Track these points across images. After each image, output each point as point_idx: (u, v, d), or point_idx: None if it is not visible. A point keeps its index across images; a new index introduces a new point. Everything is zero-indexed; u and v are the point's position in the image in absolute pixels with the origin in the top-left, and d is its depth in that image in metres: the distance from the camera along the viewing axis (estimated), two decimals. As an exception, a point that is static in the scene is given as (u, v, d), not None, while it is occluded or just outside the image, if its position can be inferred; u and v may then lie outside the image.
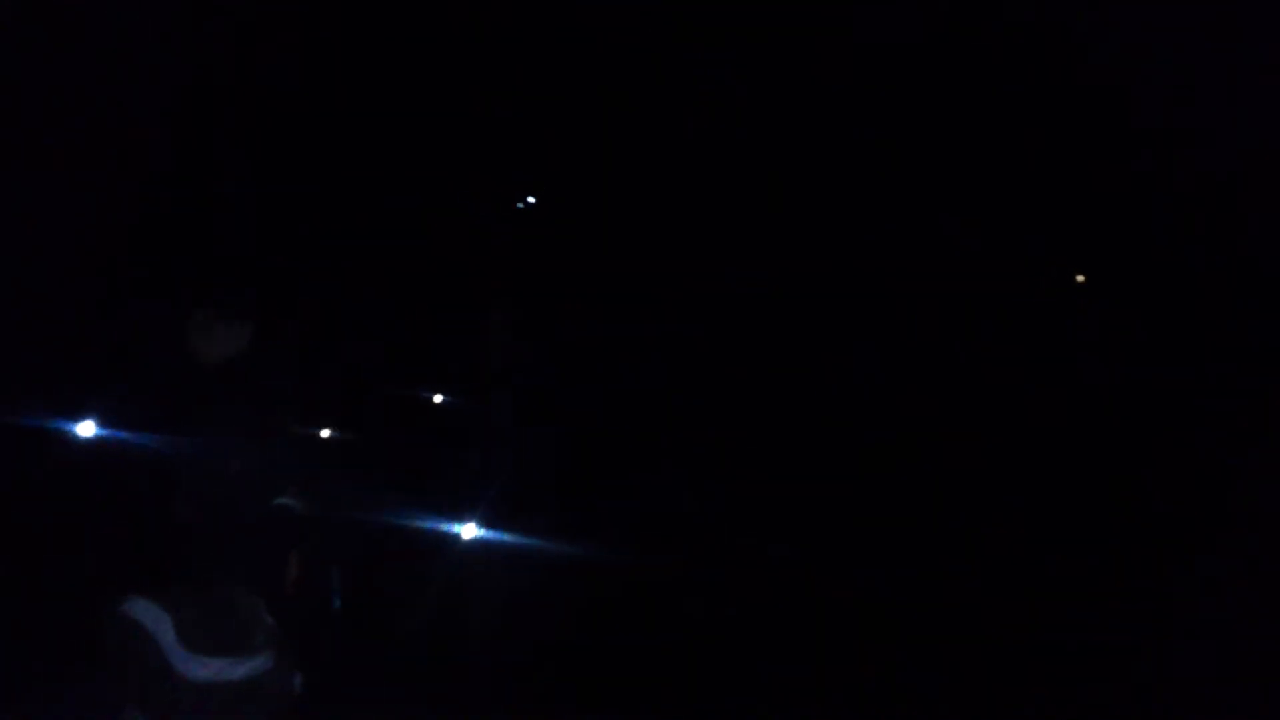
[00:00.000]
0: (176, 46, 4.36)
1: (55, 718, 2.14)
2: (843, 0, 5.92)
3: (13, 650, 2.84)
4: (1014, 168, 6.18)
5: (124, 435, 3.06)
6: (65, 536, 2.85)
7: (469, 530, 3.56)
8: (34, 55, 4.03)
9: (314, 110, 5.13)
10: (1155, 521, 5.13)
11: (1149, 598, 4.60)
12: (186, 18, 4.35)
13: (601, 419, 4.77)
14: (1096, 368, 6.06)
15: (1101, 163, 6.02)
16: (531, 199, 6.22)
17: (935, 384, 6.03)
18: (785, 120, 6.14)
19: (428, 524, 3.61)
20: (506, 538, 3.62)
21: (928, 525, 5.30)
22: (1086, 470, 5.57)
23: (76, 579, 2.67)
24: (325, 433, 3.69)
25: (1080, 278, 6.35)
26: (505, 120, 5.69)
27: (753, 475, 5.24)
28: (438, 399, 4.29)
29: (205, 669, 1.92)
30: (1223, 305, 5.69)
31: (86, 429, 3.04)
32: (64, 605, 2.69)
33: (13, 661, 2.82)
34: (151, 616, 1.94)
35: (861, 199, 6.21)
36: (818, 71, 6.03)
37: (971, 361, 6.06)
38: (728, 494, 5.15)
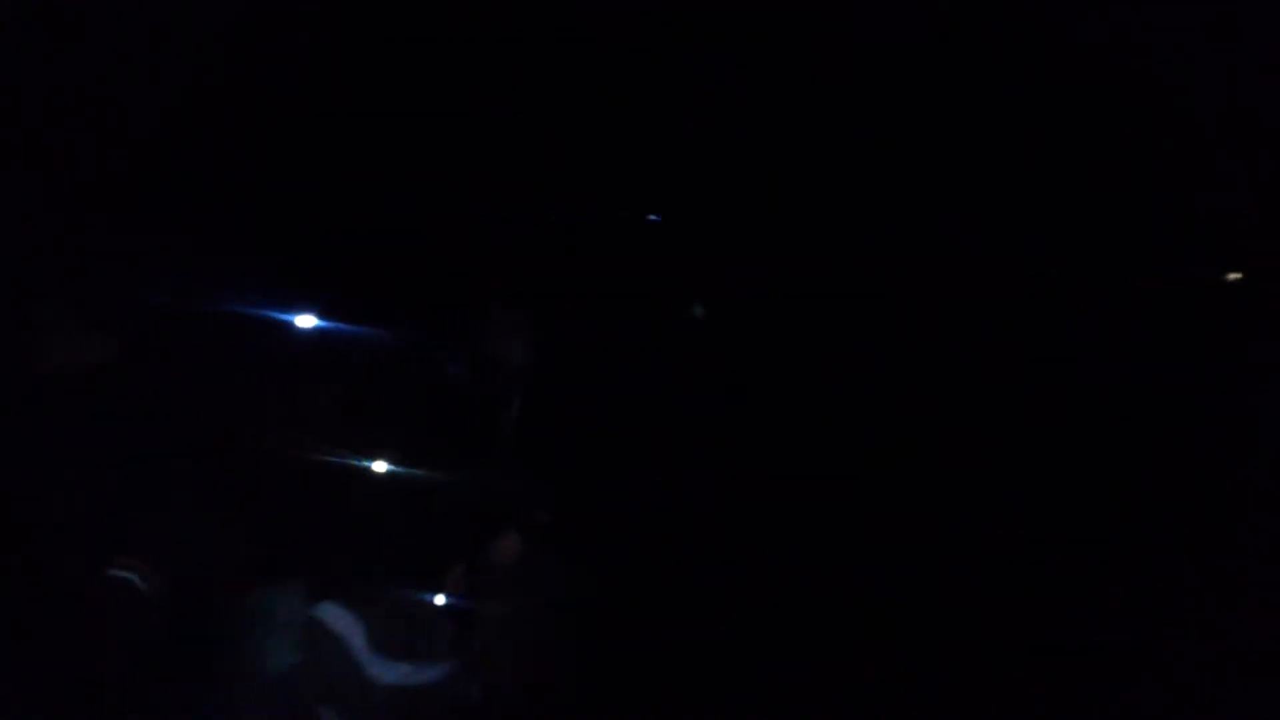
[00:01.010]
0: (176, 43, 4.36)
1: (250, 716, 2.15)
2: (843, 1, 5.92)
3: (202, 651, 2.83)
4: (1013, 167, 6.18)
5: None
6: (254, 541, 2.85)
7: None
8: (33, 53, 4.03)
9: (314, 108, 5.13)
10: (1155, 521, 5.13)
11: (1149, 597, 4.61)
12: (186, 15, 4.34)
13: (603, 420, 4.77)
14: (1096, 367, 6.06)
15: (1101, 162, 6.02)
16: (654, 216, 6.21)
17: (935, 384, 6.03)
18: (785, 120, 6.14)
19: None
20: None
21: (927, 525, 5.31)
22: (1086, 470, 5.57)
23: (271, 581, 2.65)
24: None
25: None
26: (506, 120, 5.69)
27: (752, 475, 5.25)
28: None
29: (393, 673, 1.97)
30: (1223, 305, 5.70)
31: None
32: (255, 607, 2.68)
33: (201, 663, 2.81)
34: (344, 622, 1.97)
35: (861, 199, 6.21)
36: (818, 71, 6.03)
37: (971, 361, 6.06)
38: (728, 494, 5.16)
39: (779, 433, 5.63)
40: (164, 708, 2.45)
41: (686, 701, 4.13)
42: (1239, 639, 4.06)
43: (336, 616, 2.03)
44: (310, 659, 2.03)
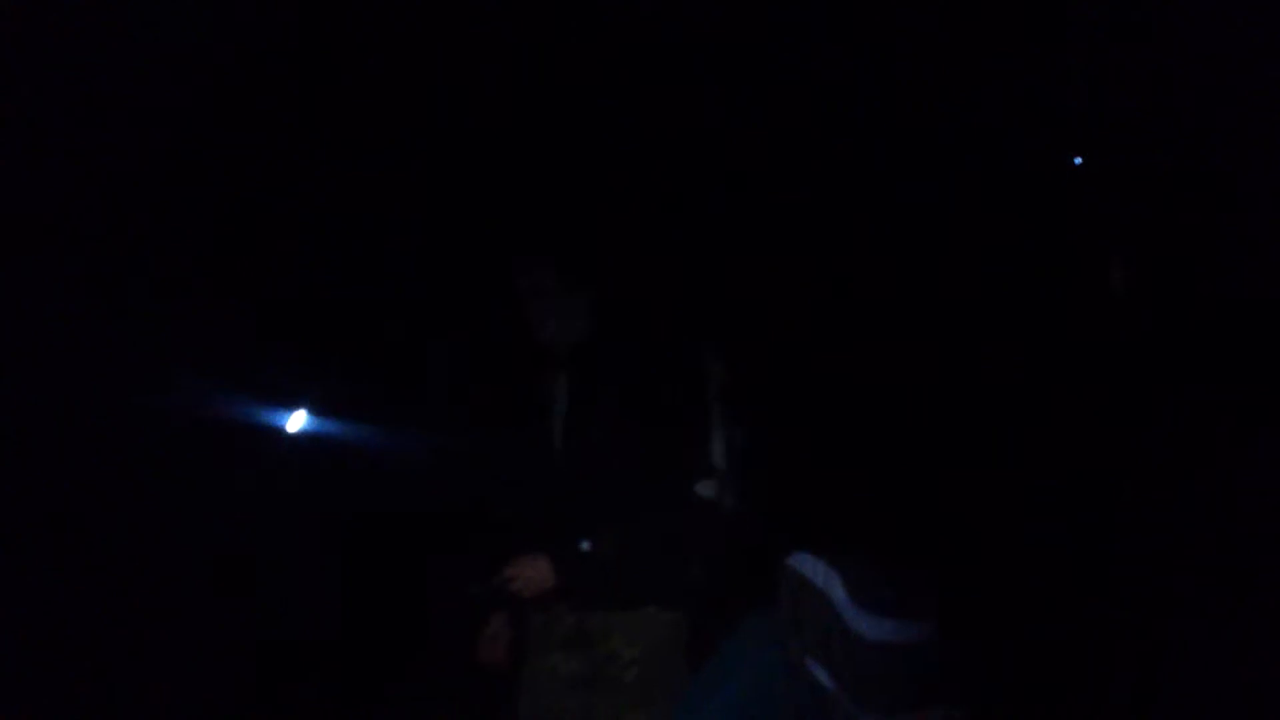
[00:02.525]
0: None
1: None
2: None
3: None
4: (1015, 168, 6.18)
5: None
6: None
7: None
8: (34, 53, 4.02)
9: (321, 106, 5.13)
10: (1157, 523, 5.13)
11: (1153, 601, 4.61)
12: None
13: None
14: (1097, 367, 6.06)
15: (1103, 162, 6.02)
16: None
17: (935, 384, 6.03)
18: (787, 120, 6.13)
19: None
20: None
21: (928, 526, 5.31)
22: (1088, 472, 5.57)
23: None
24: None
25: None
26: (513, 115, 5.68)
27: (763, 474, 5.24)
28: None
29: (879, 629, 1.88)
30: (1224, 306, 5.69)
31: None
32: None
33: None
34: (820, 572, 1.92)
35: (863, 199, 6.21)
36: (818, 70, 6.02)
37: (972, 362, 6.06)
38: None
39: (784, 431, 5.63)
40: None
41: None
42: (1241, 642, 4.06)
43: (811, 566, 1.97)
44: (793, 610, 1.98)
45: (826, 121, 6.09)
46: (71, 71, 3.87)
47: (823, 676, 1.92)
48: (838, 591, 1.90)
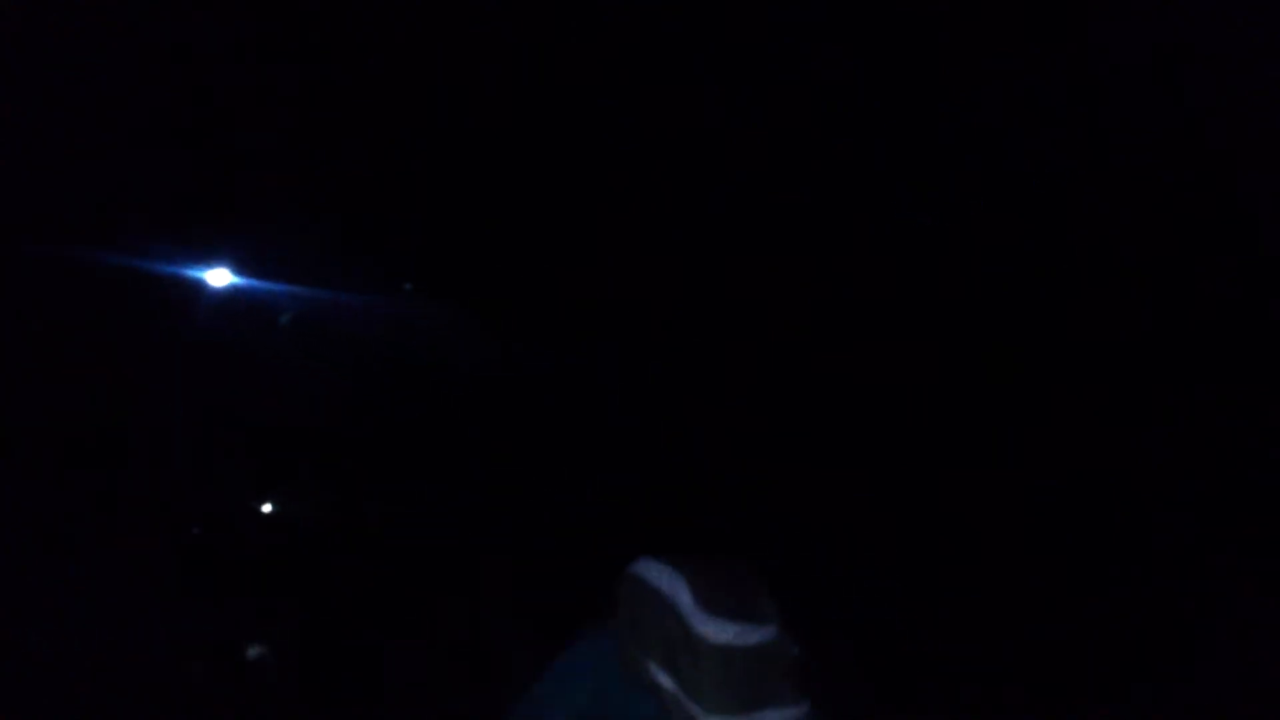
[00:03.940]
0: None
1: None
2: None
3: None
4: (1015, 168, 6.18)
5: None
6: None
7: None
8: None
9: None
10: (1158, 524, 5.13)
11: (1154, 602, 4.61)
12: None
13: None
14: (1096, 367, 6.06)
15: (1102, 161, 6.02)
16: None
17: (935, 385, 6.03)
18: (787, 120, 6.13)
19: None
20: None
21: (930, 526, 5.31)
22: (1088, 472, 5.57)
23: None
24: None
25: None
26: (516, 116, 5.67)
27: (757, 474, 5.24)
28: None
29: (723, 633, 1.93)
30: (1223, 306, 5.69)
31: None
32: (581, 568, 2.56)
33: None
34: (665, 578, 1.97)
35: (863, 198, 6.21)
36: (818, 70, 6.02)
37: (973, 363, 6.06)
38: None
39: (783, 430, 5.63)
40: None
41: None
42: (1241, 644, 4.06)
43: (657, 572, 2.02)
44: (632, 615, 2.03)
45: (826, 121, 6.08)
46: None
47: (664, 679, 1.96)
48: (683, 596, 1.95)
